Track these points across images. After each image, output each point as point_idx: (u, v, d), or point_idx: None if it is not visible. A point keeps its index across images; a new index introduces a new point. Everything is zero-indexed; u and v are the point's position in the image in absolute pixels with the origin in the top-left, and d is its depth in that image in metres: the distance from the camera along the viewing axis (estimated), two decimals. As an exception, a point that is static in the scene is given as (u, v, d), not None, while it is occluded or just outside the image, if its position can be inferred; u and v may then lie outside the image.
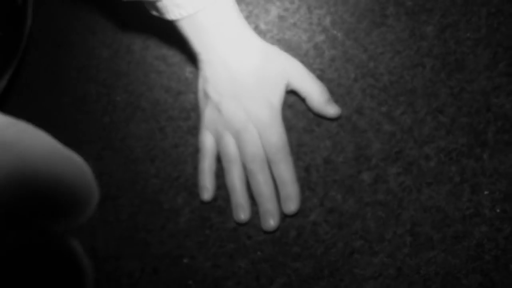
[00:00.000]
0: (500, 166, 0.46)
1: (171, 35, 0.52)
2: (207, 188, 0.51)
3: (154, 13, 0.50)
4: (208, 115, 0.51)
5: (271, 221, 0.49)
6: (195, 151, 0.53)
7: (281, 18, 0.55)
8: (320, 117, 0.50)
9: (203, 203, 0.51)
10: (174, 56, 0.58)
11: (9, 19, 0.62)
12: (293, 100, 0.51)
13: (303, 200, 0.49)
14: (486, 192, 0.46)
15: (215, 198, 0.51)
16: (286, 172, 0.49)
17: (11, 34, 0.60)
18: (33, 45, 0.64)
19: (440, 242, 0.45)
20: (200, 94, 0.52)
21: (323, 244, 0.48)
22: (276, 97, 0.50)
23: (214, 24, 0.48)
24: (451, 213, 0.46)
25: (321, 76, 0.51)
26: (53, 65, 0.63)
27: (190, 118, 0.55)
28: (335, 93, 0.50)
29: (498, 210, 0.45)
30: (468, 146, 0.47)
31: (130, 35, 0.60)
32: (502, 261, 0.44)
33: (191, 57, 0.53)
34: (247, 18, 0.56)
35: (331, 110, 0.50)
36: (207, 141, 0.51)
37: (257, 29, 0.55)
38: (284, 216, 0.49)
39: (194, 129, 0.54)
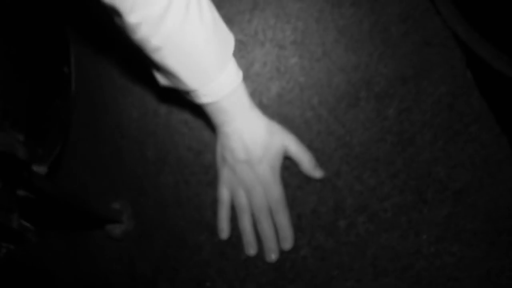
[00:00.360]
0: (435, 217, 0.65)
1: (192, 103, 0.67)
2: (224, 230, 0.69)
3: (185, 96, 0.65)
4: (225, 174, 0.68)
5: (272, 256, 0.67)
6: (214, 200, 0.70)
7: (279, 95, 0.72)
8: (308, 178, 0.68)
9: (221, 240, 0.69)
10: (194, 121, 0.73)
11: (59, 87, 0.76)
12: (288, 163, 0.69)
13: (295, 240, 0.67)
14: (424, 236, 0.65)
15: (230, 237, 0.69)
16: (284, 219, 0.67)
17: (63, 101, 0.75)
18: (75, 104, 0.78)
19: (393, 271, 0.65)
20: (218, 157, 0.69)
21: (310, 272, 0.66)
22: (277, 162, 0.67)
23: (232, 106, 0.64)
24: (400, 251, 0.65)
25: (309, 146, 0.68)
26: (91, 122, 0.78)
27: (209, 173, 0.71)
28: (320, 159, 0.68)
29: (432, 249, 0.64)
30: (414, 202, 0.66)
31: (157, 100, 0.76)
32: (434, 285, 0.63)
33: (209, 122, 0.69)
34: (253, 93, 0.72)
35: (317, 173, 0.68)
36: (224, 194, 0.69)
37: (261, 103, 0.72)
38: (281, 251, 0.67)
39: (212, 183, 0.71)
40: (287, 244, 0.67)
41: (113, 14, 0.56)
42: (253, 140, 0.65)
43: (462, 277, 0.61)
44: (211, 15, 0.58)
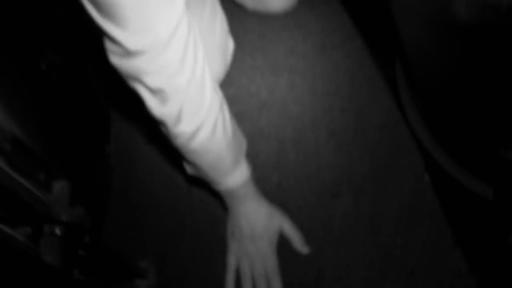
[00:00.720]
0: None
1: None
2: (230, 289, 0.88)
3: (206, 182, 0.85)
4: (233, 246, 0.87)
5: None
6: (224, 265, 0.89)
7: (278, 184, 0.92)
8: (297, 253, 0.87)
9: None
10: (211, 200, 0.93)
11: (100, 162, 0.96)
12: (283, 242, 0.88)
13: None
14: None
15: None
16: (276, 284, 0.86)
17: (103, 174, 0.95)
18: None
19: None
20: (229, 232, 0.88)
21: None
22: (274, 239, 0.87)
23: (242, 194, 0.84)
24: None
25: (300, 226, 0.88)
26: (124, 193, 0.97)
27: (220, 243, 0.90)
28: (307, 237, 0.88)
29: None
30: (377, 277, 0.85)
31: (180, 179, 0.96)
32: None
33: (221, 201, 0.88)
34: (257, 180, 0.91)
35: (304, 250, 0.87)
36: (232, 262, 0.88)
37: (264, 189, 0.91)
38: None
39: (223, 251, 0.89)
40: None
41: (160, 123, 0.74)
42: (256, 221, 0.85)
43: None
44: (232, 127, 0.79)
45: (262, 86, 1.05)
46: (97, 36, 0.65)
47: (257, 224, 0.85)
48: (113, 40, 0.62)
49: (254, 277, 0.86)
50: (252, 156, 0.94)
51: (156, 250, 0.93)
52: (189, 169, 0.83)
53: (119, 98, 1.03)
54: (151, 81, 0.65)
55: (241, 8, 1.15)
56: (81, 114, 0.94)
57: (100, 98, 1.04)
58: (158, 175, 0.99)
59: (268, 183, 0.92)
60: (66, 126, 0.87)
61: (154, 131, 0.99)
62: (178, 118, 0.69)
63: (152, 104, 0.68)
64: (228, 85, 1.05)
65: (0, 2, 0.70)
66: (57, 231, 0.70)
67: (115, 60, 0.65)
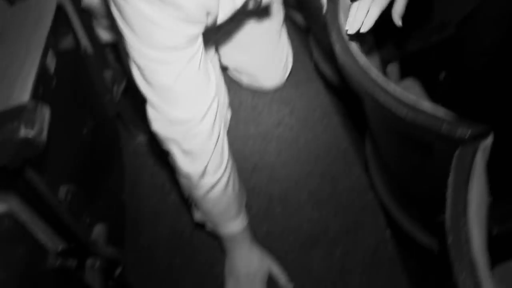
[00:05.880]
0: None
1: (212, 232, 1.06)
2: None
3: (209, 226, 1.04)
4: (231, 283, 1.05)
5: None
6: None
7: (267, 233, 1.12)
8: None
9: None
10: (210, 242, 1.12)
11: (119, 211, 1.14)
12: (271, 280, 1.08)
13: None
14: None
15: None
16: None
17: (119, 221, 1.13)
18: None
19: None
20: (226, 271, 1.07)
21: None
22: (264, 278, 1.05)
23: (241, 238, 1.02)
24: None
25: (285, 268, 1.08)
26: (135, 238, 1.15)
27: (218, 280, 1.09)
28: (290, 276, 1.07)
29: None
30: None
31: (183, 225, 1.15)
32: None
33: (219, 244, 1.07)
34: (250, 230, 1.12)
35: (288, 287, 1.06)
36: (229, 297, 1.06)
37: (255, 236, 1.11)
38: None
39: (221, 286, 1.08)
40: None
41: (186, 177, 0.92)
42: (251, 262, 1.04)
43: None
44: (238, 183, 0.99)
45: (254, 151, 1.26)
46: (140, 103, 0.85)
47: (252, 264, 1.04)
48: (158, 111, 0.83)
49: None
50: (245, 209, 1.14)
51: (163, 284, 1.10)
52: (197, 216, 1.02)
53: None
54: (187, 145, 0.86)
55: (237, 83, 1.38)
56: (108, 168, 1.13)
57: (119, 153, 1.24)
58: (163, 222, 1.18)
59: (259, 232, 1.12)
60: (99, 179, 1.06)
61: (159, 185, 1.20)
62: (204, 173, 0.89)
63: (183, 162, 0.88)
64: (226, 148, 1.26)
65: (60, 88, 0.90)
66: (97, 264, 0.89)
67: (157, 126, 0.85)
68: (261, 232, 1.12)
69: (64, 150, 0.89)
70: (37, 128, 0.52)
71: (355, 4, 0.77)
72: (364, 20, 0.75)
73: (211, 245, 1.12)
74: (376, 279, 1.05)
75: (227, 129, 1.26)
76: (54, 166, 0.81)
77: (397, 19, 0.75)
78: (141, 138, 1.33)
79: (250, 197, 1.15)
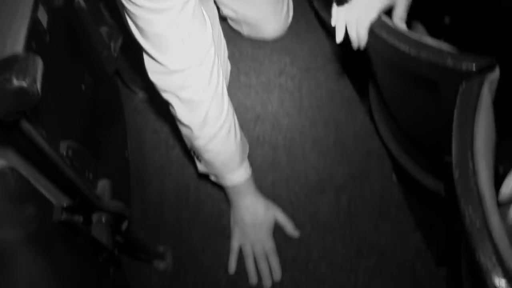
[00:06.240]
0: (368, 263, 1.05)
1: (214, 182, 1.05)
2: (232, 268, 1.06)
3: (213, 179, 1.04)
4: (237, 233, 1.06)
5: (267, 285, 1.04)
6: (229, 249, 1.07)
7: (273, 183, 1.12)
8: (289, 237, 1.07)
9: (233, 275, 1.06)
10: (216, 195, 1.12)
11: (123, 167, 1.14)
12: (278, 227, 1.08)
13: (282, 274, 1.05)
14: (361, 275, 1.04)
15: (239, 272, 1.06)
16: (275, 262, 1.04)
17: (125, 176, 1.12)
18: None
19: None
20: (232, 222, 1.07)
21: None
22: (270, 226, 1.06)
23: (245, 189, 1.03)
24: (345, 283, 1.04)
25: (291, 216, 1.08)
26: (140, 192, 1.16)
27: (225, 231, 1.09)
28: (297, 225, 1.07)
29: (366, 281, 1.04)
30: (355, 254, 1.05)
31: (188, 179, 1.15)
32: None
33: (225, 196, 1.07)
34: (255, 180, 1.11)
35: (295, 234, 1.07)
36: (236, 246, 1.06)
37: (260, 187, 1.10)
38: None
39: (228, 237, 1.08)
40: (277, 277, 1.04)
41: (186, 127, 0.92)
42: (256, 212, 1.04)
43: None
44: (240, 133, 0.98)
45: (256, 102, 1.25)
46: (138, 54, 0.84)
47: (257, 214, 1.04)
48: (155, 61, 0.82)
49: (255, 257, 1.04)
50: (250, 160, 1.13)
51: (171, 237, 1.11)
52: (201, 168, 1.02)
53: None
54: (185, 93, 0.85)
55: (237, 34, 1.35)
56: (109, 125, 1.12)
57: (121, 111, 1.23)
58: (168, 177, 1.17)
59: (264, 182, 1.12)
60: (101, 135, 1.05)
61: (162, 140, 1.19)
62: (204, 123, 0.89)
63: (182, 112, 0.88)
64: (228, 100, 1.24)
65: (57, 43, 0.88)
66: (103, 218, 0.89)
67: (155, 77, 0.85)
68: (267, 182, 1.12)
69: (62, 106, 0.88)
70: (30, 78, 0.50)
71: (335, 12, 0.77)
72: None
73: (217, 198, 1.12)
74: (383, 223, 1.05)
75: (227, 81, 1.24)
76: (53, 121, 0.80)
77: (400, 23, 0.74)
78: (142, 95, 1.31)
79: (254, 148, 1.14)
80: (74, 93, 0.95)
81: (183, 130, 0.93)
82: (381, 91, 1.01)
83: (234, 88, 1.27)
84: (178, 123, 0.92)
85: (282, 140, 1.16)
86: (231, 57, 1.30)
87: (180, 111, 0.87)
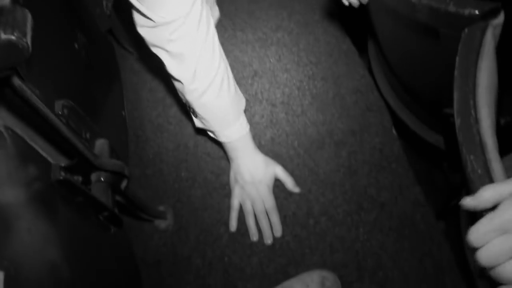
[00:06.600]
0: (368, 218, 1.05)
1: (212, 140, 1.05)
2: (233, 225, 1.07)
3: (211, 135, 1.03)
4: (236, 190, 1.06)
5: (268, 241, 1.05)
6: (229, 206, 1.08)
7: (272, 139, 1.11)
8: (290, 192, 1.07)
9: (234, 232, 1.07)
10: (215, 153, 1.12)
11: (121, 125, 1.13)
12: (278, 183, 1.08)
13: (282, 230, 1.06)
14: (361, 230, 1.05)
15: (240, 229, 1.07)
16: (275, 218, 1.05)
17: (122, 135, 1.11)
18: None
19: (342, 249, 1.05)
20: (232, 179, 1.07)
21: (291, 251, 1.05)
22: (271, 182, 1.06)
23: (243, 145, 1.02)
24: (346, 238, 1.05)
25: (291, 173, 1.07)
26: (138, 151, 1.15)
27: (225, 189, 1.09)
28: (298, 181, 1.07)
29: (365, 237, 1.04)
30: (355, 209, 1.06)
31: (186, 137, 1.14)
32: (366, 257, 1.03)
33: (224, 154, 1.07)
34: (254, 137, 1.10)
35: (296, 189, 1.06)
36: (236, 203, 1.07)
37: (259, 144, 1.10)
38: (274, 238, 1.06)
39: (228, 195, 1.08)
40: (277, 233, 1.05)
41: (178, 81, 0.92)
42: (255, 168, 1.04)
43: (382, 253, 1.01)
44: (234, 87, 0.97)
45: (253, 57, 1.23)
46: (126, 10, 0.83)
47: (256, 170, 1.04)
48: (142, 15, 0.81)
49: (256, 214, 1.05)
50: (249, 117, 1.13)
51: (171, 196, 1.11)
52: (197, 123, 1.01)
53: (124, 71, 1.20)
54: (173, 47, 0.85)
55: (232, -12, 1.31)
56: (105, 85, 1.10)
57: (116, 70, 1.21)
58: (167, 136, 1.16)
59: (263, 138, 1.11)
60: (97, 95, 1.04)
61: (159, 99, 1.17)
62: (194, 77, 0.88)
63: (172, 65, 0.87)
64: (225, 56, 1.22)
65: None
66: (102, 177, 0.88)
67: (143, 31, 0.85)
68: (266, 139, 1.11)
69: (55, 65, 0.86)
70: (19, 31, 0.49)
71: None
72: None
73: (216, 155, 1.11)
74: (384, 177, 1.05)
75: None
76: (46, 81, 0.79)
77: None
78: (137, 55, 1.29)
79: (252, 104, 1.13)
80: (67, 51, 0.94)
81: (176, 85, 0.92)
82: (380, 44, 0.99)
83: (230, 45, 1.25)
84: (171, 78, 0.91)
85: (280, 96, 1.15)
86: (226, 13, 1.27)
87: (170, 65, 0.87)
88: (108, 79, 1.15)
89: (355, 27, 1.19)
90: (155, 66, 1.20)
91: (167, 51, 0.86)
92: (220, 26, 1.26)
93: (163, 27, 0.81)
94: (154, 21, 0.81)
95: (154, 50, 0.87)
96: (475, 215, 0.47)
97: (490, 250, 0.42)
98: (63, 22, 0.93)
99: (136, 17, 0.83)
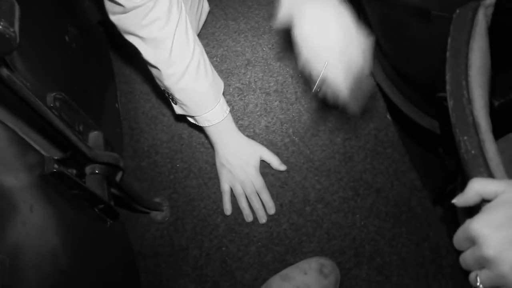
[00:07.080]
0: (364, 204, 1.05)
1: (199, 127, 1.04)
2: (228, 209, 1.07)
3: (192, 121, 1.03)
4: (225, 175, 1.06)
5: (263, 220, 1.04)
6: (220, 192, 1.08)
7: (266, 127, 1.11)
8: (287, 179, 1.07)
9: (231, 221, 1.07)
10: (209, 142, 1.11)
11: (114, 118, 1.12)
12: (264, 164, 1.08)
13: (278, 218, 1.06)
14: (358, 216, 1.05)
15: (237, 219, 1.07)
16: (267, 197, 1.05)
17: (116, 128, 1.11)
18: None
19: (339, 236, 1.05)
20: (218, 164, 1.06)
21: (288, 238, 1.05)
22: (257, 164, 1.05)
23: (224, 128, 1.01)
24: (343, 224, 1.05)
25: (286, 161, 1.07)
26: (132, 143, 1.15)
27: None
28: (292, 169, 1.07)
29: (362, 223, 1.04)
30: (351, 195, 1.06)
31: (180, 128, 1.13)
32: (363, 244, 1.03)
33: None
34: (248, 125, 1.10)
35: (282, 167, 1.06)
36: (226, 187, 1.06)
37: (254, 132, 1.10)
38: (269, 226, 1.06)
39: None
40: (271, 211, 1.04)
41: (154, 67, 0.92)
42: (241, 151, 1.04)
43: (379, 239, 1.02)
44: (211, 69, 0.96)
45: (246, 47, 1.22)
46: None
47: (242, 153, 1.04)
48: (112, 1, 0.82)
49: (247, 195, 1.04)
50: (243, 106, 1.12)
51: (167, 187, 1.11)
52: (178, 109, 1.00)
53: (119, 65, 1.19)
54: (146, 32, 0.85)
55: (222, -22, 1.30)
56: (98, 77, 1.10)
57: (109, 62, 1.20)
58: (161, 127, 1.16)
59: (258, 127, 1.11)
60: (90, 88, 1.03)
61: (152, 91, 1.17)
62: (170, 61, 0.88)
63: (147, 52, 0.88)
64: (217, 46, 1.22)
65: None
66: (97, 170, 0.88)
67: (115, 18, 0.86)
68: (261, 127, 1.11)
69: (46, 57, 0.86)
70: (5, 21, 0.48)
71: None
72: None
73: (210, 146, 1.11)
74: (379, 163, 1.05)
75: (203, 21, 1.21)
76: (38, 73, 0.78)
77: None
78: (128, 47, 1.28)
79: (246, 93, 1.13)
80: (58, 44, 0.93)
81: (153, 72, 0.93)
82: (372, 28, 0.98)
83: (223, 34, 1.24)
84: (148, 66, 0.92)
85: (274, 84, 1.14)
86: (218, 3, 1.26)
87: (146, 52, 0.88)
88: (100, 71, 1.15)
89: (348, 11, 1.18)
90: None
91: (140, 37, 0.86)
92: (212, 16, 1.25)
93: (134, 12, 0.82)
94: (124, 6, 0.81)
95: (128, 38, 0.88)
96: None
97: (464, 258, 0.49)
98: (53, 14, 0.93)
99: (107, 4, 0.83)
